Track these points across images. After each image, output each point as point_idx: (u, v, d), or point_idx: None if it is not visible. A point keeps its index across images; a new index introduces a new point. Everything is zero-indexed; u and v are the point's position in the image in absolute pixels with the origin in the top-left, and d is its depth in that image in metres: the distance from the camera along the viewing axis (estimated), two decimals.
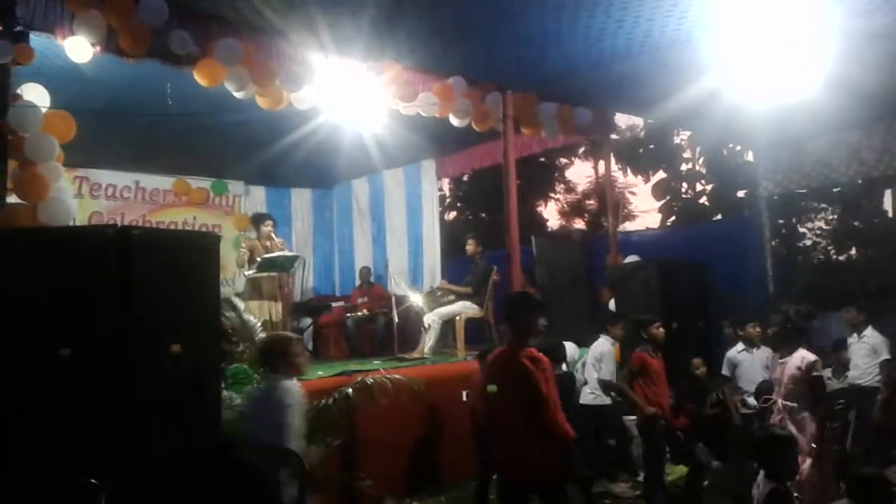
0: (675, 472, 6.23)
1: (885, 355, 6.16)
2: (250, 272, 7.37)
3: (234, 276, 9.12)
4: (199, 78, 4.97)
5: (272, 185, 10.80)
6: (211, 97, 5.51)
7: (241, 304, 5.61)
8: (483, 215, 20.23)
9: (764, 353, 6.28)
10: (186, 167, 9.65)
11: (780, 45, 5.13)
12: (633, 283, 7.42)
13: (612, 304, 7.62)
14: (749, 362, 6.29)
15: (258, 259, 7.28)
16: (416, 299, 8.15)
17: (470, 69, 6.12)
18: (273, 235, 7.68)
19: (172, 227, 9.53)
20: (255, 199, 10.64)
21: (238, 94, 5.23)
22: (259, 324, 5.56)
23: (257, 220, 7.93)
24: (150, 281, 3.75)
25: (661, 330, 5.81)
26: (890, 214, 20.43)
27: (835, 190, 17.32)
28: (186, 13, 4.75)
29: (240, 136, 7.58)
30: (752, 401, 5.89)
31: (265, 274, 7.32)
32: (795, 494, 4.07)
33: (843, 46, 5.15)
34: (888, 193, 20.49)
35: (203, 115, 6.46)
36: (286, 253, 7.65)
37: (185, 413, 3.81)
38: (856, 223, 18.89)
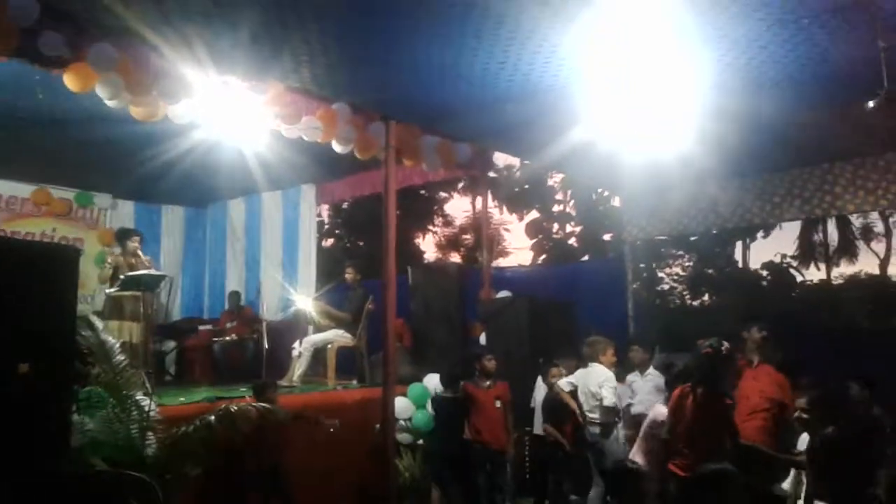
0: None
1: (667, 392, 6.68)
2: (112, 290, 7.00)
3: (94, 293, 8.62)
4: (70, 82, 4.72)
5: (142, 200, 10.33)
6: (81, 105, 5.25)
7: (99, 324, 5.31)
8: (361, 243, 20.21)
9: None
10: (49, 176, 9.06)
11: (651, 99, 5.45)
12: (504, 318, 7.63)
13: (483, 338, 7.79)
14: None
15: (121, 276, 6.94)
16: (306, 304, 8.06)
17: (355, 96, 6.14)
18: (139, 252, 7.34)
19: (29, 238, 8.91)
20: (123, 213, 10.12)
21: (110, 103, 5.00)
22: (118, 345, 5.28)
23: (123, 235, 7.57)
24: (1, 293, 3.50)
25: (493, 362, 6.35)
26: (740, 265, 22.14)
27: (692, 239, 18.63)
28: (59, 15, 4.52)
29: (110, 148, 7.21)
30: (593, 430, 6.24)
31: (128, 293, 6.97)
32: None
33: (708, 101, 5.55)
34: (739, 245, 22.17)
35: (70, 123, 6.17)
36: (152, 271, 7.32)
37: (31, 436, 3.55)
38: (709, 271, 20.34)
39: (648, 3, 4.27)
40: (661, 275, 20.03)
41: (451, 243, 23.65)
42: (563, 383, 6.29)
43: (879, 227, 27.46)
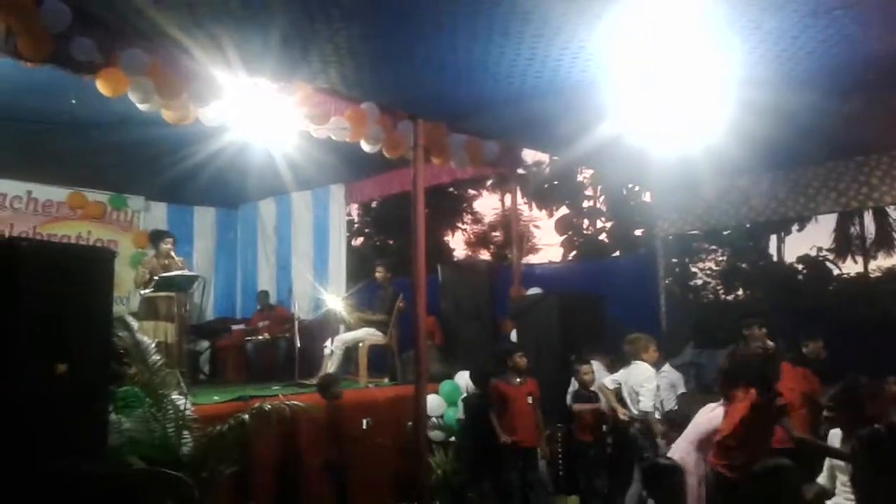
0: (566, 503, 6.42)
1: (682, 389, 6.59)
2: (146, 291, 7.11)
3: (129, 294, 8.75)
4: (102, 87, 4.79)
5: (174, 202, 10.47)
6: (114, 109, 5.33)
7: (134, 324, 5.39)
8: (390, 242, 20.27)
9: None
10: (84, 179, 9.24)
11: (680, 93, 5.40)
12: (534, 315, 7.59)
13: (513, 335, 7.77)
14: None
15: (155, 278, 7.04)
16: (337, 303, 8.11)
17: (382, 95, 6.16)
18: (172, 254, 7.45)
19: (65, 241, 9.07)
20: (156, 216, 10.27)
21: (142, 107, 5.08)
22: (153, 345, 5.35)
23: (156, 237, 7.68)
24: (38, 296, 3.57)
25: (524, 359, 6.27)
26: (774, 259, 21.76)
27: (724, 233, 18.36)
28: (91, 20, 4.59)
29: (142, 151, 7.34)
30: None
31: (162, 294, 7.07)
32: None
33: (739, 95, 5.47)
34: (773, 238, 21.78)
35: (103, 126, 6.27)
36: (185, 272, 7.42)
37: (68, 436, 3.62)
38: (743, 265, 20.02)
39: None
40: (693, 270, 19.78)
41: (480, 241, 23.63)
42: (608, 381, 6.27)
43: None
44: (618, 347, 6.64)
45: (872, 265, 24.47)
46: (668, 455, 5.17)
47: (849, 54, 5.03)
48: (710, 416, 5.17)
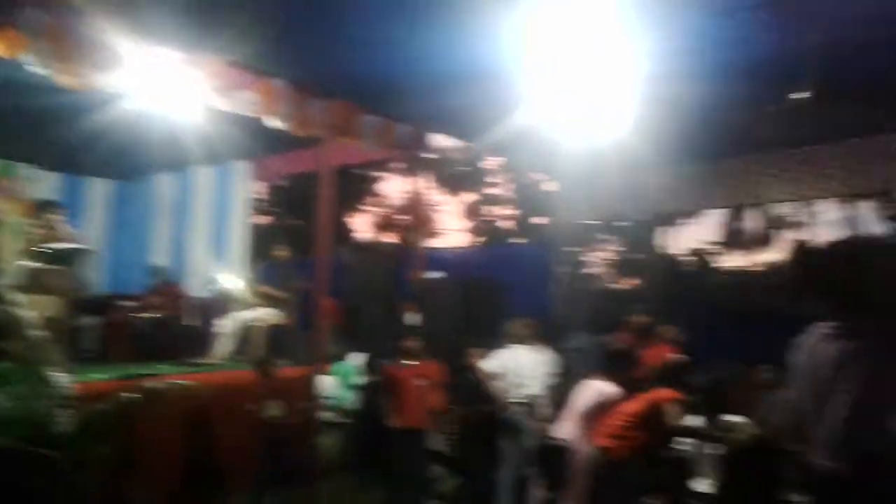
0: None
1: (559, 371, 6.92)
2: (30, 262, 6.73)
3: (9, 265, 8.26)
4: None
5: (67, 171, 9.93)
6: (3, 71, 5.00)
7: (15, 297, 5.09)
8: (296, 222, 19.92)
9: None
10: None
11: (590, 86, 5.52)
12: (435, 299, 7.68)
13: (413, 319, 7.83)
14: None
15: (41, 249, 6.67)
16: (234, 282, 7.89)
17: (294, 71, 6.04)
18: (60, 225, 7.09)
19: None
20: (45, 185, 9.69)
21: (38, 71, 4.78)
22: (34, 319, 5.07)
23: (44, 207, 7.28)
24: None
25: (416, 342, 6.41)
26: (665, 250, 22.75)
27: (621, 224, 19.03)
28: None
29: (35, 117, 6.90)
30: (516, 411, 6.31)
31: (47, 266, 6.72)
32: None
33: (646, 90, 5.62)
34: (666, 231, 22.69)
35: None
36: (74, 245, 7.07)
37: None
38: (636, 256, 20.85)
39: None
40: (589, 259, 20.41)
41: (386, 224, 23.54)
42: (491, 365, 6.38)
43: (797, 216, 28.67)
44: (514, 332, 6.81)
45: (754, 259, 26.01)
46: (555, 435, 5.39)
47: (750, 56, 5.24)
48: (595, 393, 5.41)
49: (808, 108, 4.94)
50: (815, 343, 2.63)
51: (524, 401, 6.32)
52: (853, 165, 7.46)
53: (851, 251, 2.65)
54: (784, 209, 28.04)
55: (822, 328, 2.64)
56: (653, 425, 4.87)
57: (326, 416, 6.70)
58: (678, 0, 4.47)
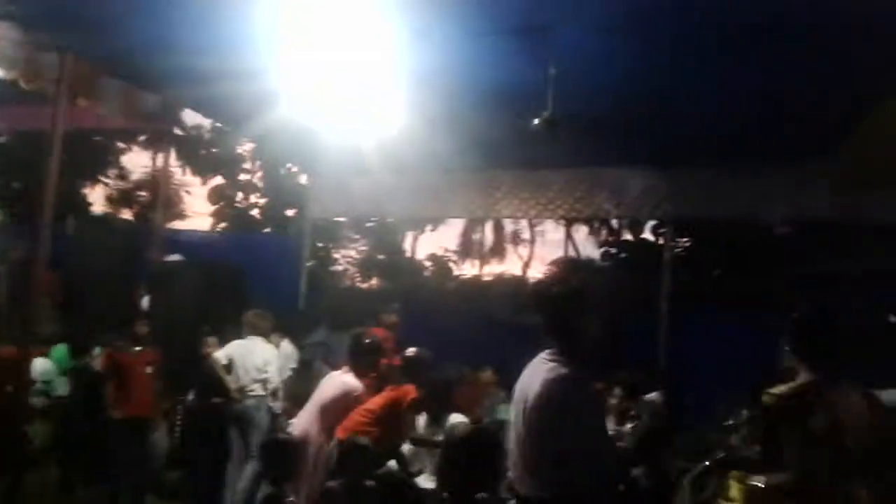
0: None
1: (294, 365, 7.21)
2: None
3: None
4: None
5: None
6: None
7: None
8: (16, 184, 17.73)
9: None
10: None
11: (353, 86, 5.57)
12: (172, 282, 7.32)
13: (145, 302, 7.40)
14: None
15: None
16: None
17: (29, 18, 5.40)
18: None
19: None
20: None
21: None
22: None
23: None
24: None
25: (145, 327, 6.09)
26: (408, 254, 23.74)
27: (369, 224, 19.52)
28: None
29: None
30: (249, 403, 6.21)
31: None
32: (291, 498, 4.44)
33: (407, 96, 5.77)
34: (410, 235, 23.59)
35: None
36: None
37: None
38: (381, 257, 21.51)
39: None
40: (336, 256, 20.67)
41: (124, 198, 21.82)
42: (220, 355, 6.19)
43: (527, 233, 31.45)
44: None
45: (487, 269, 28.07)
46: (290, 430, 5.37)
47: (496, 78, 5.54)
48: (337, 386, 5.44)
49: (543, 134, 5.36)
50: (537, 363, 2.72)
51: (258, 393, 6.21)
52: (577, 192, 8.36)
53: (565, 275, 2.76)
54: (516, 226, 30.67)
55: (546, 348, 2.72)
56: (391, 421, 5.03)
57: (38, 401, 6.08)
58: (440, 12, 4.65)
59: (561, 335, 2.72)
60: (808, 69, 4.86)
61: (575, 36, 4.75)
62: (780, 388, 3.06)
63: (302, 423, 5.36)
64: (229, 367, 6.14)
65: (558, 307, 2.72)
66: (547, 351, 2.73)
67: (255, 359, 6.24)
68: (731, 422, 5.21)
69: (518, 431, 2.69)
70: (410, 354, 5.37)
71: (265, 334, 6.42)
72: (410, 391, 5.12)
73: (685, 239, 19.66)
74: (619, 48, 4.91)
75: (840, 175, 6.32)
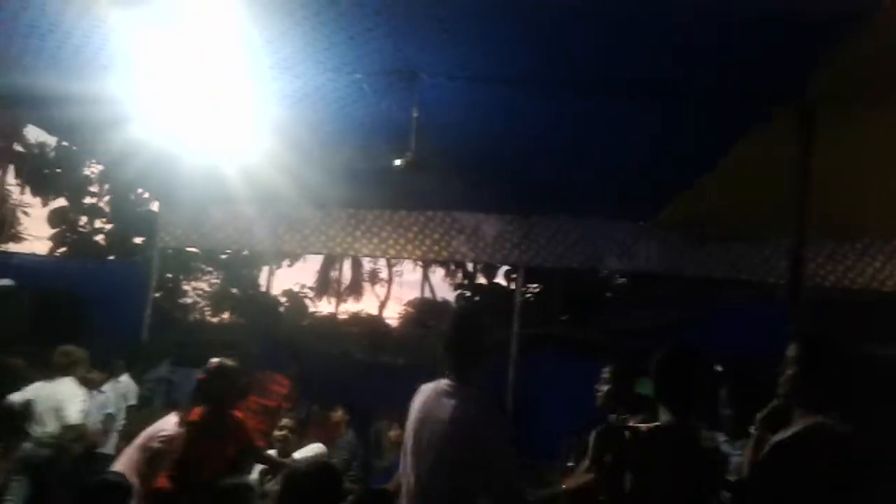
0: None
1: (133, 401, 7.04)
2: None
3: None
4: None
5: None
6: None
7: None
8: None
9: None
10: None
11: (206, 116, 5.47)
12: (1, 308, 6.82)
13: None
14: None
15: None
16: None
17: None
18: None
19: None
20: None
21: None
22: None
23: None
24: None
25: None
26: (263, 288, 23.19)
27: (223, 256, 18.96)
28: None
29: None
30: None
31: None
32: None
33: (270, 126, 5.69)
34: (266, 269, 23.17)
35: None
36: None
37: None
38: (234, 290, 20.89)
39: (216, 14, 4.31)
40: (186, 287, 19.87)
41: None
42: (16, 398, 5.68)
43: (385, 273, 31.56)
44: (101, 354, 6.35)
45: (342, 308, 27.89)
46: (111, 471, 4.99)
47: (362, 116, 5.50)
48: (166, 425, 5.12)
49: (405, 175, 5.49)
50: (426, 396, 2.89)
51: (57, 436, 5.61)
52: (435, 234, 8.58)
53: (422, 315, 3.04)
54: (374, 265, 30.74)
55: (441, 383, 2.88)
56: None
57: None
58: (306, 43, 4.66)
59: (470, 363, 2.88)
60: (650, 131, 5.31)
61: (437, 83, 4.93)
62: (641, 425, 3.11)
63: (125, 459, 4.99)
64: (25, 413, 5.65)
65: (475, 335, 2.92)
66: (446, 381, 2.87)
67: (51, 401, 5.70)
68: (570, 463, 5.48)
69: (426, 459, 2.77)
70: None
71: (72, 373, 5.89)
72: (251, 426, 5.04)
73: (534, 285, 20.54)
74: (479, 98, 5.14)
75: (667, 232, 7.01)
